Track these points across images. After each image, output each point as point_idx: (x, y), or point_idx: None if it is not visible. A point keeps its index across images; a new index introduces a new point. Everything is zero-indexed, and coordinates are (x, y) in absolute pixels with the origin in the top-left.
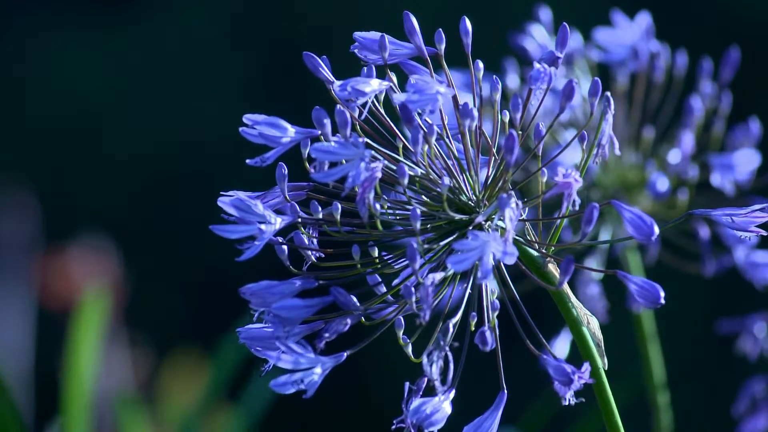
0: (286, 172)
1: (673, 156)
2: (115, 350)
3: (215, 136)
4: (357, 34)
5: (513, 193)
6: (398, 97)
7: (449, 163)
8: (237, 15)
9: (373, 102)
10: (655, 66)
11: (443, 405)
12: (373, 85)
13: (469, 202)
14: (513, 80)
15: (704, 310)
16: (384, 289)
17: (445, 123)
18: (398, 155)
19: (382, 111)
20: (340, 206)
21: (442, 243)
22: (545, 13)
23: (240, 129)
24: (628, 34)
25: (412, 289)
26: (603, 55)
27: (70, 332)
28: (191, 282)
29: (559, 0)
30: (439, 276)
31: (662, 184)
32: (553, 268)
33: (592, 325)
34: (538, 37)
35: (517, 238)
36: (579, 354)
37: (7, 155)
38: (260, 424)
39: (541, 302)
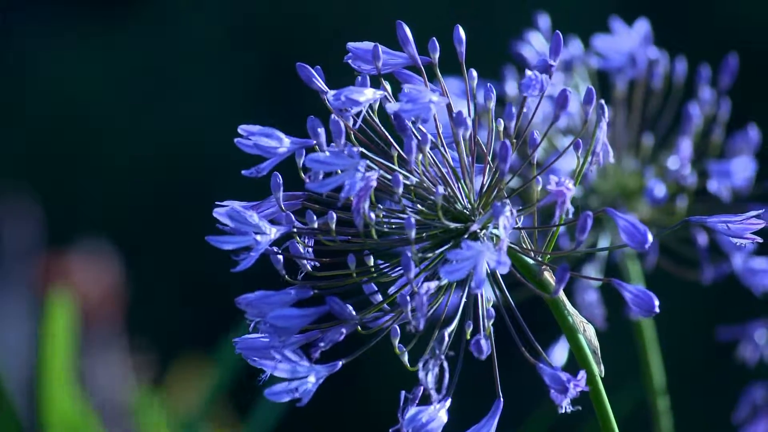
0: (282, 181)
1: (672, 162)
2: (116, 356)
3: (216, 140)
4: (350, 45)
5: (508, 201)
6: (392, 107)
7: (444, 171)
8: (238, 17)
9: (367, 111)
10: (653, 73)
11: (439, 414)
12: (367, 95)
13: (464, 211)
14: (512, 88)
15: (704, 317)
16: (380, 298)
17: (440, 131)
18: (393, 164)
19: (377, 120)
20: (335, 215)
21: (437, 252)
22: (544, 21)
23: (235, 140)
24: (627, 41)
25: (408, 298)
26: (601, 61)
27: (40, 338)
28: (192, 286)
29: (558, 7)
30: (434, 285)
31: (659, 190)
32: (548, 276)
33: (588, 333)
34: (536, 44)
35: (513, 246)
36: (577, 362)
37: (7, 160)
38: None
39: (540, 310)
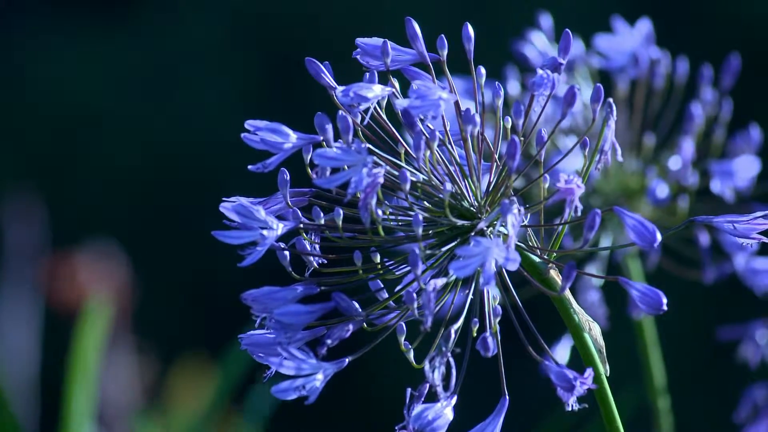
0: (288, 177)
1: (674, 163)
2: (121, 356)
3: (217, 139)
4: (359, 40)
5: (515, 199)
6: (401, 103)
7: (451, 168)
8: (239, 17)
9: (375, 108)
10: (655, 72)
11: (445, 411)
12: (376, 91)
13: (471, 208)
14: (513, 87)
15: (705, 317)
16: (386, 295)
17: (447, 129)
18: (400, 161)
19: (384, 117)
20: (342, 212)
21: (444, 249)
22: (546, 20)
23: (242, 135)
24: (629, 40)
25: (414, 295)
26: (603, 61)
27: (74, 340)
28: (197, 287)
29: (560, 7)
30: (441, 282)
31: (662, 191)
32: (555, 274)
33: (593, 332)
34: (538, 44)
35: (519, 244)
36: (581, 360)
37: (9, 160)
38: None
39: (544, 308)
